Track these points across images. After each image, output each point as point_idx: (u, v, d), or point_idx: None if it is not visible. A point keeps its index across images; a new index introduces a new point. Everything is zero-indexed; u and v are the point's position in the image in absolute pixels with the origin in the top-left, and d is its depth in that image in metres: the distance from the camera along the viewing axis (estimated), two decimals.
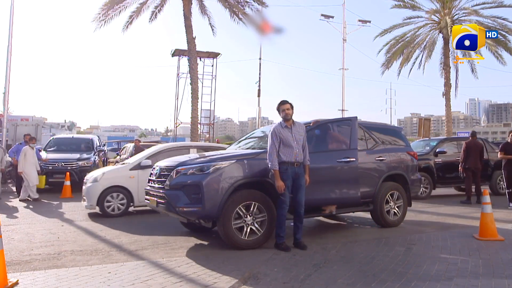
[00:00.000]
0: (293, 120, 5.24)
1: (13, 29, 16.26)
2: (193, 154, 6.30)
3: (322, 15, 28.13)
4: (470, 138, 10.52)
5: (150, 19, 18.64)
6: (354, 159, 5.95)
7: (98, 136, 17.47)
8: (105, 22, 17.61)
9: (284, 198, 5.04)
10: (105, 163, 17.09)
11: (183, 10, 18.29)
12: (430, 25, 23.25)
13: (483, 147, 10.27)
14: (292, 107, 5.25)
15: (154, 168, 5.77)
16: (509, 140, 9.16)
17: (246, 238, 5.04)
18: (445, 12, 21.97)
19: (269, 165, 5.04)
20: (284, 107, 5.18)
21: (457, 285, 3.72)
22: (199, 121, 20.70)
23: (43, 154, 12.30)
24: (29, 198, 10.12)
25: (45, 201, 10.10)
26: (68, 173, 11.34)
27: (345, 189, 5.95)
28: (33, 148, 10.63)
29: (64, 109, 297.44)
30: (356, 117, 6.34)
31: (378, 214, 6.49)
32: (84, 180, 8.27)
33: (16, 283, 3.74)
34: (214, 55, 24.35)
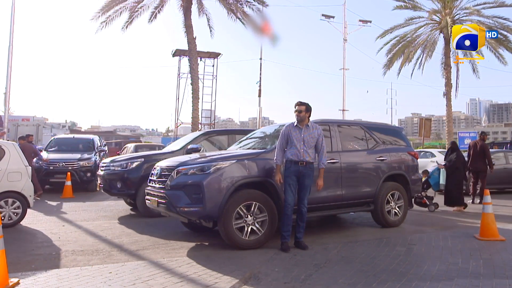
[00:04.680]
0: (309, 122, 5.27)
1: (14, 29, 16.31)
2: (194, 154, 6.30)
3: (322, 15, 28.23)
4: (477, 138, 10.64)
5: (149, 20, 18.68)
6: (337, 160, 6.02)
7: (99, 136, 17.46)
8: (106, 23, 17.65)
9: (285, 196, 5.09)
10: None
11: (183, 10, 18.31)
12: (431, 25, 23.24)
13: (484, 148, 10.22)
14: (308, 109, 5.26)
15: (155, 168, 5.77)
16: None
17: (247, 238, 5.04)
18: (446, 12, 21.95)
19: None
20: (297, 108, 5.22)
21: (458, 285, 3.72)
22: (200, 121, 20.74)
23: (44, 154, 12.31)
24: None
25: (46, 201, 10.11)
26: (69, 173, 11.34)
27: (331, 189, 5.95)
28: None
29: (65, 109, 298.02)
30: (334, 122, 6.47)
31: (379, 214, 6.48)
32: None
33: (17, 283, 3.74)
34: (214, 55, 24.38)
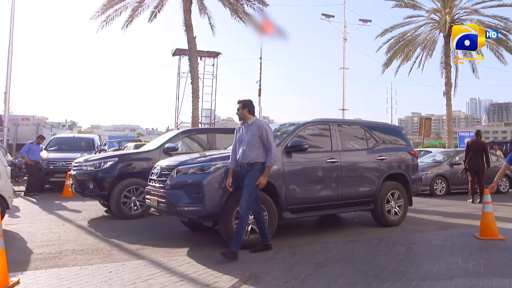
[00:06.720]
0: (251, 119, 4.94)
1: (14, 28, 16.28)
2: (194, 154, 6.30)
3: (323, 14, 28.26)
4: (474, 137, 10.56)
5: (149, 19, 18.64)
6: (337, 160, 6.01)
7: (99, 136, 17.48)
8: (106, 23, 17.63)
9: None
10: None
11: (183, 9, 18.29)
12: (431, 24, 23.24)
13: (485, 147, 10.22)
14: (245, 105, 4.92)
15: (155, 168, 5.77)
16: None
17: (247, 237, 5.04)
18: (446, 11, 21.94)
19: None
20: (236, 107, 4.99)
21: (458, 284, 3.72)
22: (200, 121, 20.73)
23: (44, 154, 12.32)
24: None
25: (47, 200, 10.11)
26: (69, 172, 11.33)
27: (331, 188, 5.97)
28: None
29: (65, 109, 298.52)
30: (334, 121, 6.47)
31: (379, 214, 6.48)
32: None
33: (17, 283, 3.74)
34: (215, 55, 24.32)
